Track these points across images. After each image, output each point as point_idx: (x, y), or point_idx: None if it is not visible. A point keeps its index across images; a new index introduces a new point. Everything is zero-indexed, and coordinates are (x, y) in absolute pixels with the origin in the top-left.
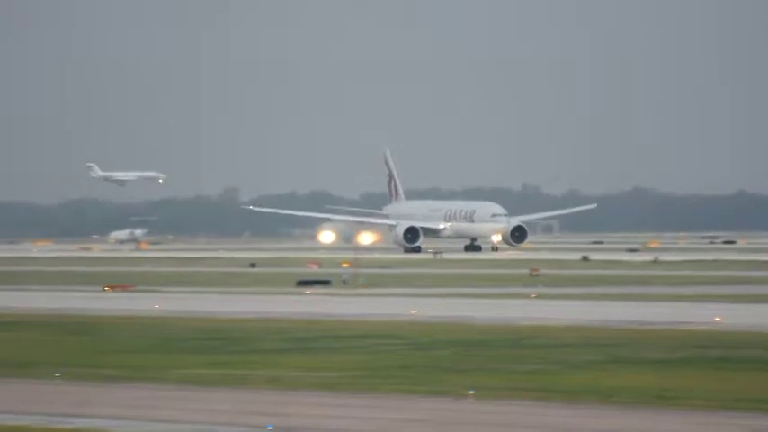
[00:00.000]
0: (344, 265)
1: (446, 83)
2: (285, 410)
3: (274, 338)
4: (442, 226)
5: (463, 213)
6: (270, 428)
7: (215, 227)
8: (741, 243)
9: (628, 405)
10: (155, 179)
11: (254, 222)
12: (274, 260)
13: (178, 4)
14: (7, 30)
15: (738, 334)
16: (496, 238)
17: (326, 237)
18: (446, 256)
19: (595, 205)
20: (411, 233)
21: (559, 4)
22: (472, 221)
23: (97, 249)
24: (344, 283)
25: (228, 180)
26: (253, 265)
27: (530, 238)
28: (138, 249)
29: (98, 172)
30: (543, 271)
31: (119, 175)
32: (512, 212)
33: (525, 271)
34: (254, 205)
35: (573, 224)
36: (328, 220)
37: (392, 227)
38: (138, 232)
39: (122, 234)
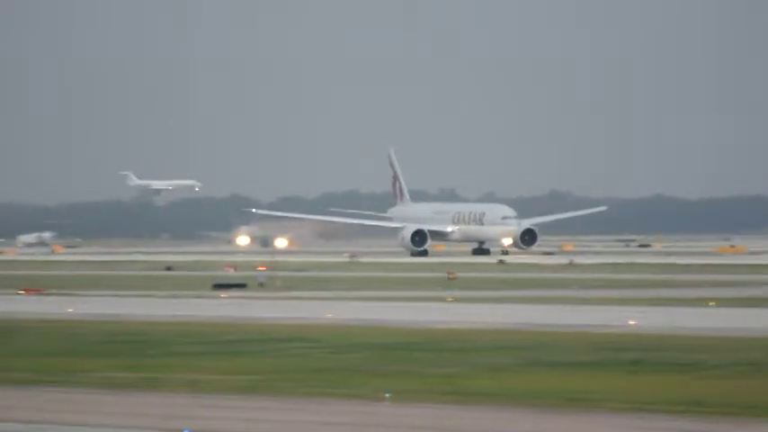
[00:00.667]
0: (260, 268)
1: (446, 85)
2: (201, 414)
3: (190, 342)
4: (449, 229)
5: (472, 216)
6: None
7: (131, 230)
8: (657, 246)
9: (541, 407)
10: (191, 187)
11: (171, 225)
12: (191, 263)
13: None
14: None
15: (652, 337)
16: (507, 242)
17: (243, 240)
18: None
19: (605, 208)
20: (418, 236)
21: (559, 6)
22: (482, 224)
23: (12, 253)
24: (261, 286)
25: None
26: (169, 269)
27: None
28: (52, 253)
29: (135, 180)
30: (460, 274)
31: (156, 183)
32: None
33: (442, 275)
34: (256, 208)
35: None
36: (293, 219)
37: (398, 230)
38: (47, 235)
39: (30, 238)
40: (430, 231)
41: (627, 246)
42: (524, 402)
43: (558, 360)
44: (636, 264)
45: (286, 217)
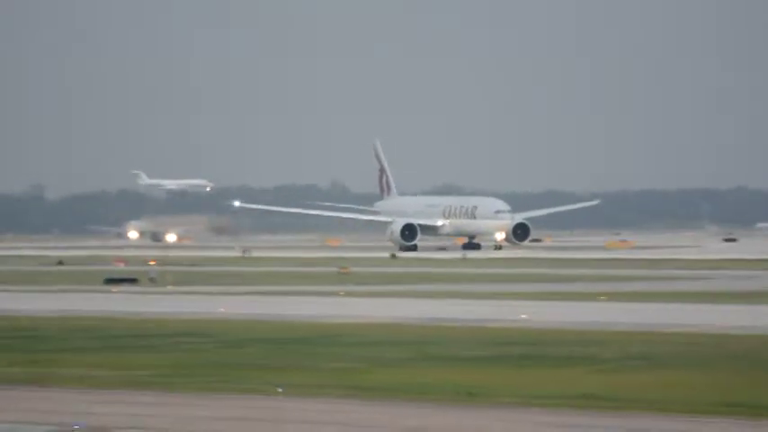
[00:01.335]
0: (151, 263)
1: (444, 83)
2: (93, 409)
3: (82, 337)
4: (440, 223)
5: (464, 209)
6: (76, 427)
7: (21, 224)
8: (547, 241)
9: (436, 401)
10: (203, 187)
11: (62, 220)
12: (83, 258)
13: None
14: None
15: (544, 331)
16: (500, 236)
17: (133, 234)
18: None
19: (598, 202)
20: (408, 230)
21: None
22: (474, 218)
23: None
24: (152, 281)
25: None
26: (60, 263)
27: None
28: None
29: (145, 179)
30: (353, 269)
31: (166, 183)
32: None
33: (335, 269)
34: (240, 201)
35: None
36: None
37: (387, 224)
38: None
39: None
40: (420, 225)
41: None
42: (417, 396)
43: (450, 354)
44: (528, 258)
45: (279, 210)
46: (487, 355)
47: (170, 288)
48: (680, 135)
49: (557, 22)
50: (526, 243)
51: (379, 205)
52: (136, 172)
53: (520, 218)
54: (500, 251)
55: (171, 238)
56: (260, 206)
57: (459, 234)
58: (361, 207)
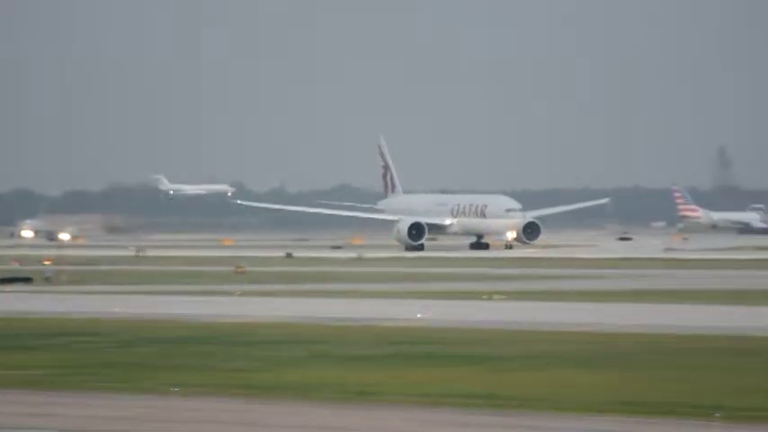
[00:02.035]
0: (47, 262)
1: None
2: None
3: None
4: (448, 222)
5: (473, 208)
6: None
7: None
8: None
9: (332, 401)
10: (224, 192)
11: None
12: None
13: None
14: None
15: (440, 330)
16: (511, 235)
17: (28, 233)
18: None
19: (609, 200)
20: (415, 229)
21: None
22: (484, 216)
23: None
24: (47, 280)
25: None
26: None
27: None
28: None
29: (166, 184)
30: (248, 268)
31: (188, 188)
32: None
33: (230, 268)
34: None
35: (279, 223)
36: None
37: (393, 222)
38: None
39: None
40: (427, 224)
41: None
42: (313, 396)
43: (346, 353)
44: (423, 257)
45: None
46: (382, 354)
47: (65, 287)
48: (584, 135)
49: (557, 21)
50: (537, 242)
51: (383, 203)
52: (157, 177)
53: (530, 216)
54: (510, 251)
55: (65, 236)
56: (260, 204)
57: (467, 233)
58: (362, 205)
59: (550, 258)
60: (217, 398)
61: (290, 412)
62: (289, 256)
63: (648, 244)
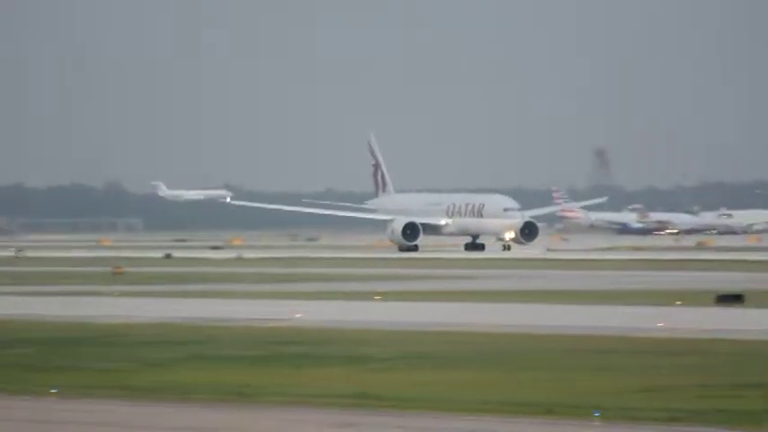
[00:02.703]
0: None
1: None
2: None
3: None
4: (443, 222)
5: (470, 207)
6: None
7: None
8: (323, 240)
9: (206, 401)
10: (222, 197)
11: None
12: None
13: None
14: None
15: (319, 330)
16: (509, 235)
17: None
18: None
19: (606, 199)
20: (410, 229)
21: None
22: (481, 216)
23: None
24: None
25: None
26: None
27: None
28: None
29: (165, 191)
30: (126, 269)
31: (186, 194)
32: None
33: (108, 269)
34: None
35: (157, 223)
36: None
37: (386, 222)
38: None
39: None
40: (422, 224)
41: (294, 240)
42: (191, 396)
43: (223, 354)
44: (303, 258)
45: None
46: (261, 354)
47: None
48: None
49: (557, 20)
50: (535, 243)
51: (374, 203)
52: (155, 183)
53: (527, 216)
54: (508, 251)
55: None
56: (253, 203)
57: (463, 233)
58: (348, 204)
59: (434, 259)
60: (95, 399)
61: (168, 413)
62: (168, 256)
63: (530, 245)
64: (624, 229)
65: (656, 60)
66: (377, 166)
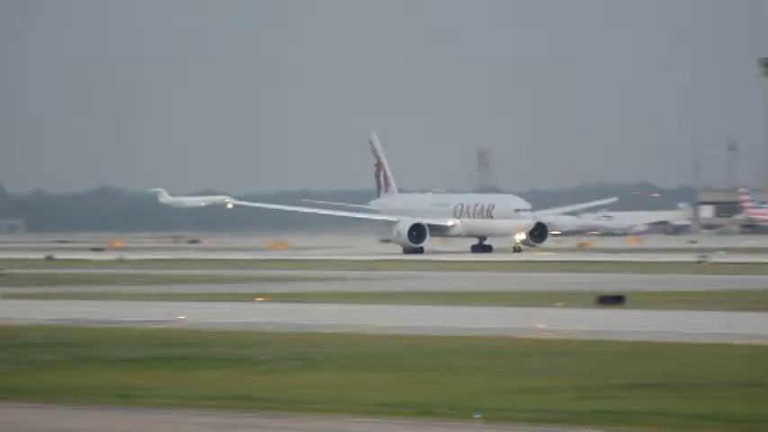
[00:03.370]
0: None
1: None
2: None
3: None
4: (450, 223)
5: (479, 208)
6: None
7: None
8: (206, 242)
9: (88, 404)
10: (224, 203)
11: None
12: None
13: None
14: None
15: (202, 332)
16: (520, 237)
17: None
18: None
19: (616, 199)
20: (416, 231)
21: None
22: (491, 217)
23: None
24: None
25: None
26: None
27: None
28: None
29: (167, 197)
30: (7, 270)
31: (188, 200)
32: None
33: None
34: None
35: (38, 224)
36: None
37: (391, 223)
38: None
39: None
40: (428, 226)
41: (176, 242)
42: (72, 399)
43: (104, 356)
44: (185, 260)
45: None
46: (144, 356)
47: None
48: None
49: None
50: (545, 245)
51: (376, 203)
52: (157, 190)
53: (539, 217)
54: (519, 254)
55: None
56: (254, 204)
57: (471, 235)
58: (350, 204)
59: (320, 261)
60: None
61: (48, 416)
62: (49, 258)
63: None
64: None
65: (537, 62)
66: (379, 166)
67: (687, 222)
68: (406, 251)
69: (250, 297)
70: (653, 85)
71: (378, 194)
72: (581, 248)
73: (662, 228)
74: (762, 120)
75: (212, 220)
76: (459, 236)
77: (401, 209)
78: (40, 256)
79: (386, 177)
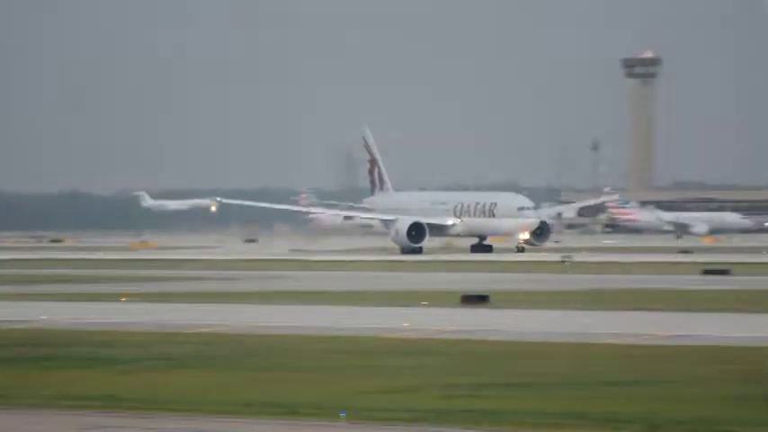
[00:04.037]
0: None
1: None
2: None
3: None
4: (450, 222)
5: (480, 207)
6: None
7: None
8: (68, 242)
9: None
10: (207, 206)
11: None
12: None
13: None
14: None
15: (64, 332)
16: (523, 236)
17: None
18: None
19: (618, 195)
20: (415, 230)
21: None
22: (492, 216)
23: None
24: None
25: None
26: None
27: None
28: None
29: (148, 201)
30: None
31: (171, 204)
32: None
33: None
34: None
35: None
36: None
37: (389, 222)
38: None
39: None
40: (428, 225)
41: (39, 241)
42: None
43: None
44: (46, 259)
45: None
46: (4, 356)
47: None
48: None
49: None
50: (548, 244)
51: (371, 201)
52: (139, 193)
53: (543, 215)
54: (522, 254)
55: None
56: (240, 201)
57: (471, 234)
58: (343, 203)
59: (176, 260)
60: None
61: None
62: None
63: (275, 245)
64: (370, 231)
65: (395, 59)
66: (373, 163)
67: (551, 222)
68: (404, 251)
69: (114, 297)
70: (520, 85)
71: (371, 192)
72: (448, 247)
73: None
74: (625, 120)
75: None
76: (458, 235)
77: (397, 207)
78: None
79: (380, 175)
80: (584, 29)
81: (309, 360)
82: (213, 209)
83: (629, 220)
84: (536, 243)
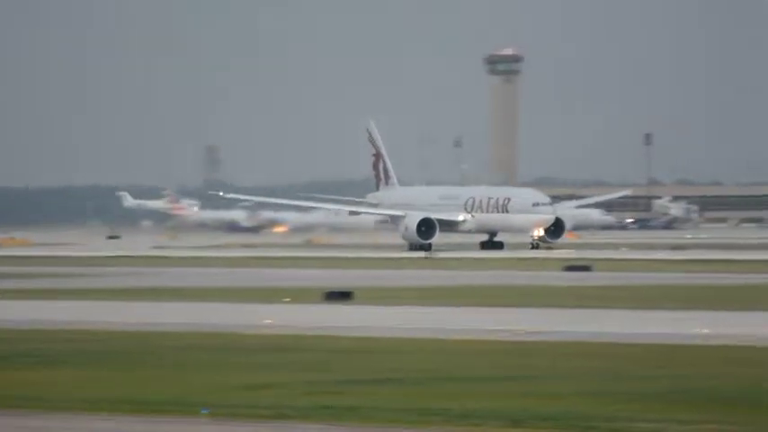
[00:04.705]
0: None
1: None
2: None
3: None
4: (461, 218)
5: (493, 202)
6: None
7: None
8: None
9: None
10: (190, 206)
11: None
12: None
13: None
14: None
15: None
16: (538, 233)
17: None
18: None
19: (629, 191)
20: (425, 226)
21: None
22: (506, 212)
23: None
24: None
25: None
26: None
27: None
28: None
29: (130, 201)
30: None
31: (150, 204)
32: None
33: None
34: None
35: None
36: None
37: (397, 218)
38: None
39: None
40: (438, 221)
41: None
42: None
43: None
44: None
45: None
46: None
47: None
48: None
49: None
50: (562, 241)
51: (376, 196)
52: (121, 193)
53: (558, 211)
54: (537, 250)
55: None
56: (247, 197)
57: (483, 231)
58: (348, 198)
59: (41, 257)
60: None
61: None
62: None
63: (137, 242)
64: (233, 227)
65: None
66: (378, 156)
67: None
68: (413, 247)
69: None
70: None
71: (377, 187)
72: (309, 245)
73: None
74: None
75: None
76: (469, 232)
77: (405, 202)
78: None
79: (386, 169)
80: (449, 25)
81: (174, 356)
82: (195, 209)
83: None
84: (548, 240)
